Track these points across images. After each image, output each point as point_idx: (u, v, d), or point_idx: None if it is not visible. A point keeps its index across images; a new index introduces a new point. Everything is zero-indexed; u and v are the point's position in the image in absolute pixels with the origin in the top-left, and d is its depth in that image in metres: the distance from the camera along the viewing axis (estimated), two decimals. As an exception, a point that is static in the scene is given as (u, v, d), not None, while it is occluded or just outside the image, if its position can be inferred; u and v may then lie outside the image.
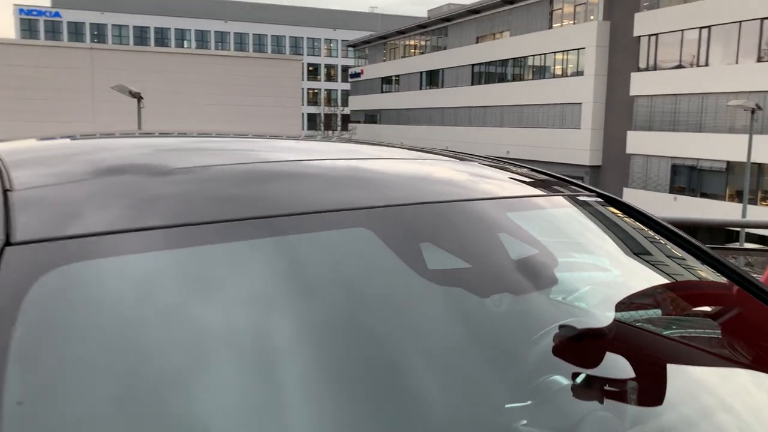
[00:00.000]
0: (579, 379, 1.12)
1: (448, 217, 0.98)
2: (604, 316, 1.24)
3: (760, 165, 24.82)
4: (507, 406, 1.04)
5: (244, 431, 0.68)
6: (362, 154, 1.25)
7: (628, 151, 31.78)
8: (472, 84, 43.89)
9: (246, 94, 25.66)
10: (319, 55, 76.13)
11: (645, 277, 1.39)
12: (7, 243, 0.70)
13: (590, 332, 1.22)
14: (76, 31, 66.05)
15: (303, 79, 46.06)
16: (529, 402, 1.05)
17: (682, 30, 28.94)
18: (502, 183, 1.22)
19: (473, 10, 43.01)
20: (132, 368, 0.67)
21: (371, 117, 58.54)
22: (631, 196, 30.92)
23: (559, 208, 1.24)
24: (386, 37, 55.87)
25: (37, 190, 0.84)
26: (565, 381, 1.10)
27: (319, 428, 0.70)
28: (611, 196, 1.43)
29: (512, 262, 1.01)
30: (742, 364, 1.29)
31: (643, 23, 30.63)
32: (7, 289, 0.65)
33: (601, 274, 1.27)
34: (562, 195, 1.30)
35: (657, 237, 1.40)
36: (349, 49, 67.52)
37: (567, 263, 1.19)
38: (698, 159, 28.31)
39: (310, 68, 71.69)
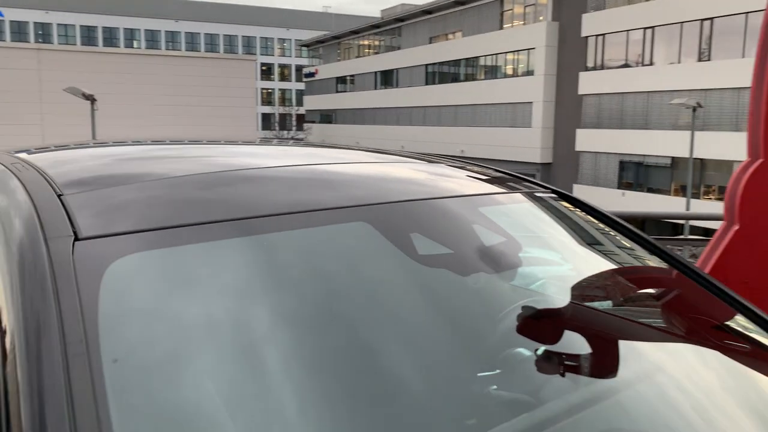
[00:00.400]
0: (540, 352, 1.31)
1: (432, 211, 1.16)
2: (561, 298, 1.43)
3: (702, 160, 25.90)
4: (479, 374, 1.22)
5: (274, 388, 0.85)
6: (352, 159, 1.42)
7: (578, 148, 32.66)
8: (426, 84, 44.35)
9: (200, 94, 25.40)
10: (273, 55, 75.62)
11: (597, 263, 1.60)
12: (77, 239, 0.86)
13: (550, 312, 1.42)
14: (20, 30, 63.98)
15: (257, 79, 45.70)
16: (498, 371, 1.23)
17: (628, 30, 29.92)
18: (472, 182, 1.41)
19: (426, 11, 43.47)
20: (182, 335, 0.83)
21: (326, 117, 58.53)
22: (581, 192, 31.80)
23: (521, 203, 1.43)
24: (340, 36, 55.92)
25: (83, 195, 0.98)
26: (528, 353, 1.29)
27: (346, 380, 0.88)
28: (564, 192, 1.63)
29: (485, 248, 1.19)
30: (681, 336, 1.50)
31: (590, 24, 31.52)
32: (85, 274, 0.80)
33: (557, 259, 1.47)
34: (521, 192, 1.50)
35: (606, 228, 1.61)
36: (303, 48, 67.30)
37: (529, 249, 1.38)
38: (645, 155, 29.32)
39: (264, 68, 71.14)
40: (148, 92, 24.57)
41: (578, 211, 1.62)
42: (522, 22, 36.69)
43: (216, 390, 0.79)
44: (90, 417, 0.69)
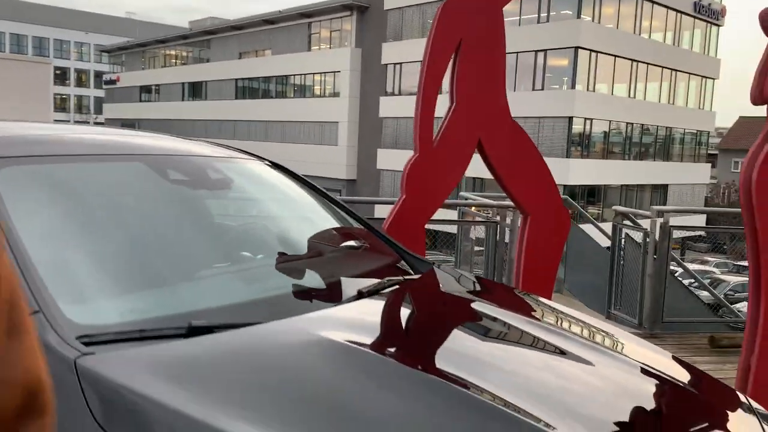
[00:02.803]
0: (260, 257, 2.31)
1: (183, 161, 2.14)
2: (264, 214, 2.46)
3: (482, 180, 29.43)
4: (215, 264, 2.19)
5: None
6: (145, 137, 2.35)
7: (379, 166, 35.11)
8: (236, 98, 44.64)
9: (-16, 96, 23.40)
10: (69, 59, 70.46)
11: (302, 216, 2.62)
12: None
13: (262, 226, 2.43)
14: None
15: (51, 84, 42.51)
16: (229, 263, 2.21)
17: (421, 61, 32.97)
18: (214, 150, 2.40)
19: (235, 26, 43.87)
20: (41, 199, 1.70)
21: (129, 126, 55.96)
22: (382, 208, 34.17)
23: (243, 163, 2.45)
24: (145, 44, 54.03)
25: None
26: (248, 255, 2.29)
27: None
28: (279, 163, 2.68)
29: (209, 179, 2.19)
30: (374, 274, 2.54)
31: (389, 53, 34.28)
32: None
33: (259, 190, 2.50)
34: (247, 159, 2.52)
35: (311, 193, 2.67)
36: (104, 54, 63.71)
37: (240, 184, 2.40)
38: (435, 174, 32.41)
39: (58, 72, 65.88)
40: None
41: (291, 179, 2.66)
42: (328, 46, 38.67)
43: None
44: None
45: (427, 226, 3.61)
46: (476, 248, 6.65)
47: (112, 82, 58.18)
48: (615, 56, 30.43)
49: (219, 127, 45.61)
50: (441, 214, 7.31)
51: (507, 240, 5.84)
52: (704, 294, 7.12)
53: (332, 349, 1.42)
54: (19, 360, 0.48)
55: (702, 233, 29.05)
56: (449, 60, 3.39)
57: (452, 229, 7.59)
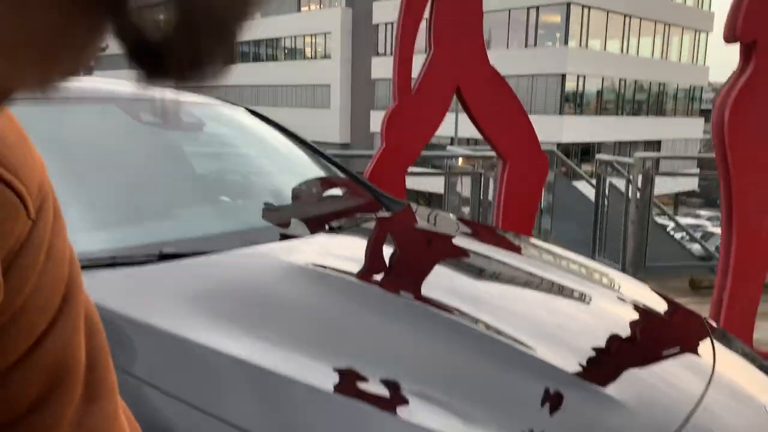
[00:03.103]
0: (232, 195, 2.37)
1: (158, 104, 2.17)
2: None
3: (476, 140, 29.36)
4: (185, 201, 2.25)
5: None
6: (116, 82, 2.38)
7: (372, 129, 34.93)
8: (226, 63, 44.05)
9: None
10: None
11: (277, 159, 2.68)
12: None
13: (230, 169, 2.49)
14: None
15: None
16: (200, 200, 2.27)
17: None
18: (190, 95, 2.44)
19: (223, -11, 43.04)
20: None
21: (120, 94, 55.44)
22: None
23: (217, 108, 2.49)
24: (132, 10, 53.14)
25: None
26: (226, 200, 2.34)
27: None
28: (253, 109, 2.72)
29: (183, 121, 2.24)
30: (346, 212, 2.61)
31: (381, 12, 33.78)
32: None
33: (235, 132, 2.55)
34: (224, 107, 2.56)
35: (286, 137, 2.72)
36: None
37: (215, 128, 2.45)
38: (429, 135, 32.32)
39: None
40: None
41: (268, 126, 2.71)
42: (318, 6, 38.09)
43: None
44: None
45: (418, 187, 3.67)
46: (464, 209, 6.75)
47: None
48: (607, 11, 30.11)
49: (209, 93, 45.12)
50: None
51: (491, 196, 5.92)
52: (695, 247, 7.22)
53: (296, 270, 1.49)
54: (101, 426, 0.45)
55: (695, 189, 29.21)
56: (425, 6, 3.40)
57: (442, 189, 7.69)
